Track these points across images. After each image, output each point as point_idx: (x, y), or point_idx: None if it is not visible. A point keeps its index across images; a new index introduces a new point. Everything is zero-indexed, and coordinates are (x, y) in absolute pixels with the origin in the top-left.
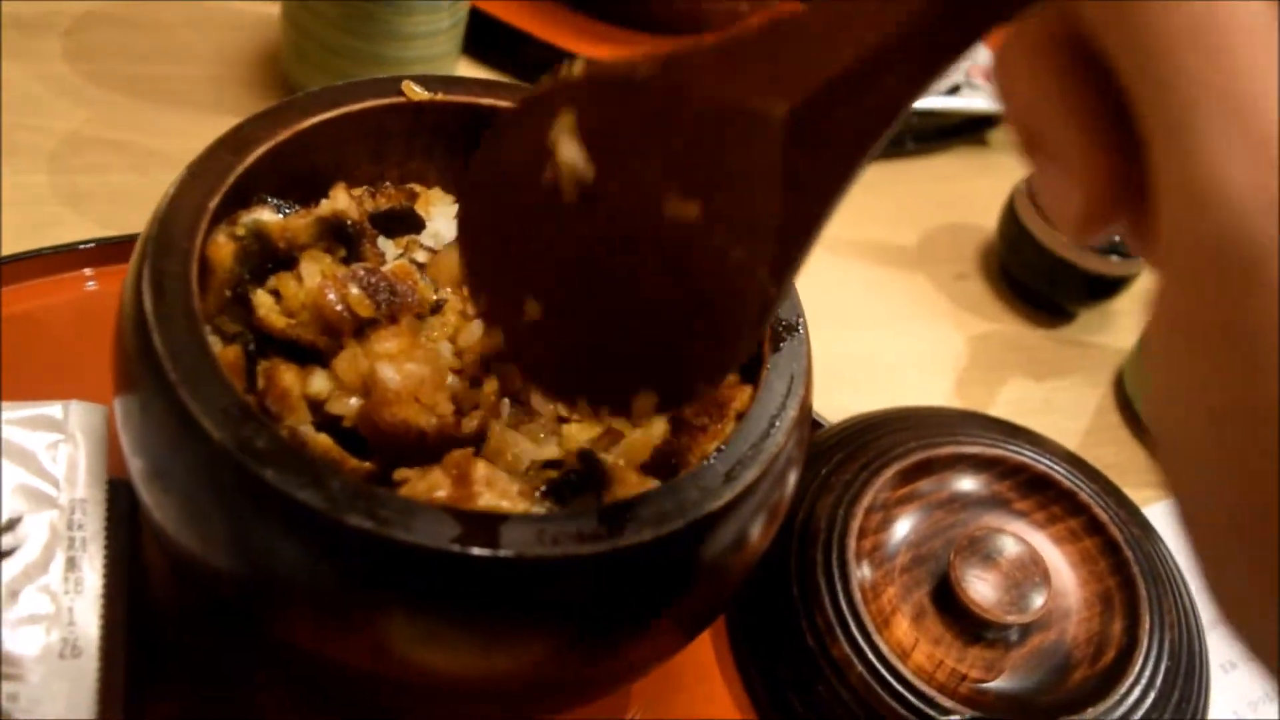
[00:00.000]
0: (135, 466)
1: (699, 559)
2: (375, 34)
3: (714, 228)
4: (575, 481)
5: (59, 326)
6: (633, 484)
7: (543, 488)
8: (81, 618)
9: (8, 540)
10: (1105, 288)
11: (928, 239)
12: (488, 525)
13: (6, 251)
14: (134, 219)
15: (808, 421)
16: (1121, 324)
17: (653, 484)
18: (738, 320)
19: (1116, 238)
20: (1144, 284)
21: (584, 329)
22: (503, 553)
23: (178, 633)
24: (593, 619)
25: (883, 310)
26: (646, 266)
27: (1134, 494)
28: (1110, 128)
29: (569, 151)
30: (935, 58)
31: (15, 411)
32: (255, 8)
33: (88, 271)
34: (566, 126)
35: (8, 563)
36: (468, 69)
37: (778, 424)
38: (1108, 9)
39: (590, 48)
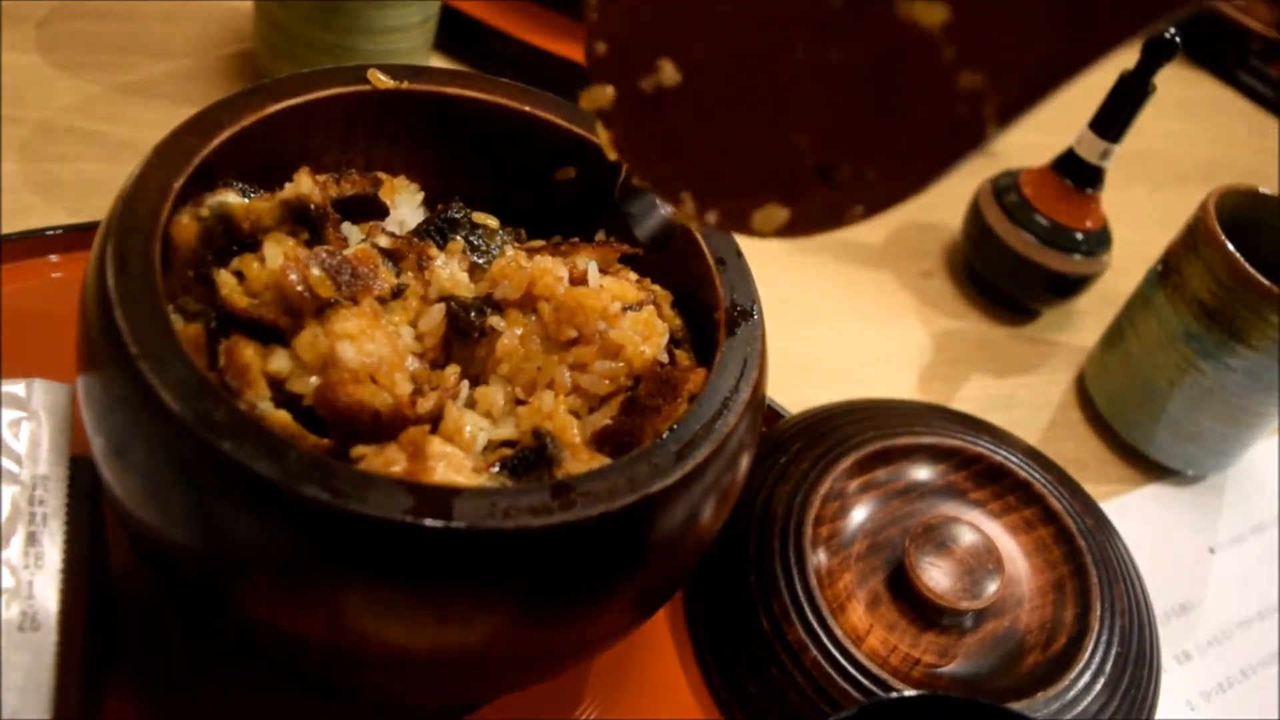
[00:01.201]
0: (97, 443)
1: (650, 535)
2: (348, 28)
3: (952, 41)
4: (529, 458)
5: (25, 310)
6: (585, 460)
7: (497, 465)
8: (41, 592)
9: None
10: (1068, 286)
11: (895, 237)
12: (441, 498)
13: None
14: (104, 207)
15: (761, 405)
16: (1084, 322)
17: (604, 461)
18: (931, 152)
19: (1080, 236)
20: (1105, 283)
21: (730, 112)
22: (455, 524)
23: (137, 609)
24: (544, 591)
25: (849, 306)
26: (845, 57)
27: (1092, 488)
28: None
29: None
30: None
31: None
32: (228, 2)
33: (54, 258)
34: None
35: None
36: (439, 64)
37: (730, 406)
38: None
39: (560, 44)
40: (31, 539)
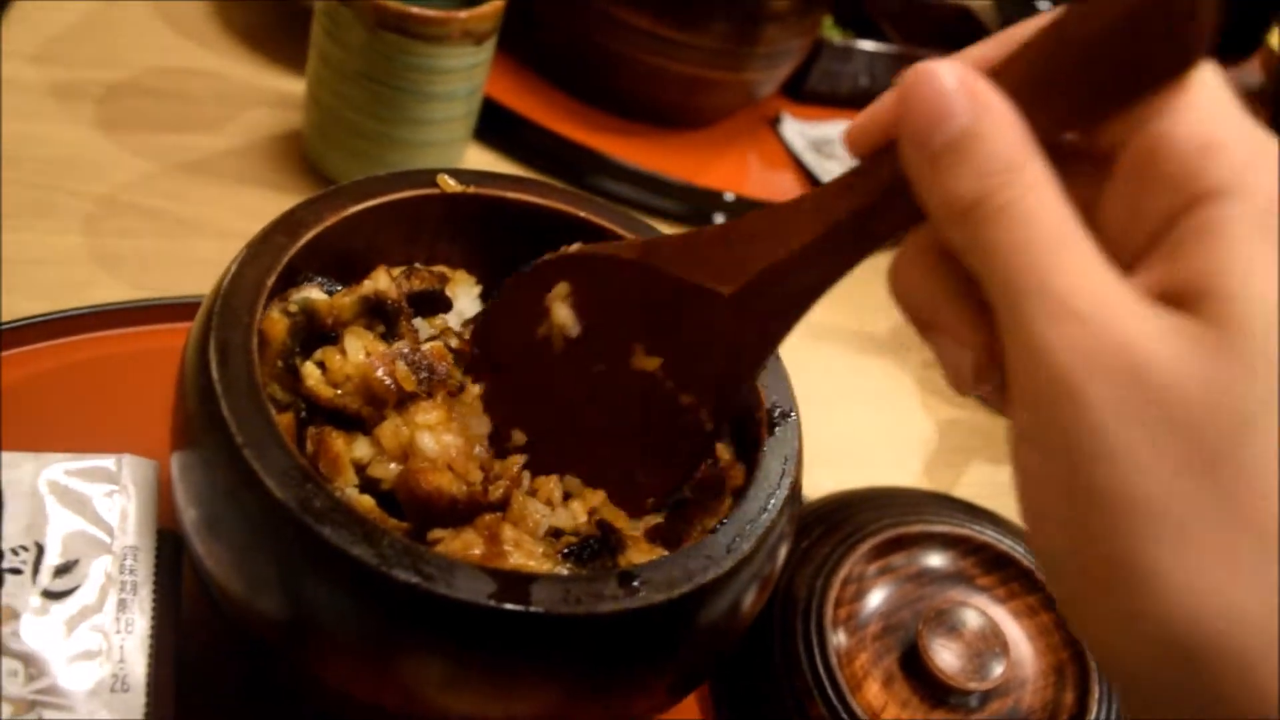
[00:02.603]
0: (189, 516)
1: (700, 620)
2: (396, 119)
3: (670, 378)
4: (594, 546)
5: (99, 380)
6: (644, 551)
7: (564, 550)
8: (130, 656)
9: (66, 581)
10: None
11: (899, 328)
12: (520, 583)
13: (46, 309)
14: (164, 282)
15: (798, 500)
16: None
17: (661, 552)
18: (683, 450)
19: None
20: None
21: (561, 453)
22: (533, 608)
23: (218, 675)
24: (605, 670)
25: (858, 394)
26: (614, 406)
27: None
28: (981, 308)
29: (561, 314)
30: (844, 260)
31: (73, 463)
32: (280, 85)
33: (121, 331)
34: (561, 294)
35: (65, 602)
36: (476, 151)
37: (772, 502)
38: (958, 236)
39: (586, 134)
40: (122, 605)
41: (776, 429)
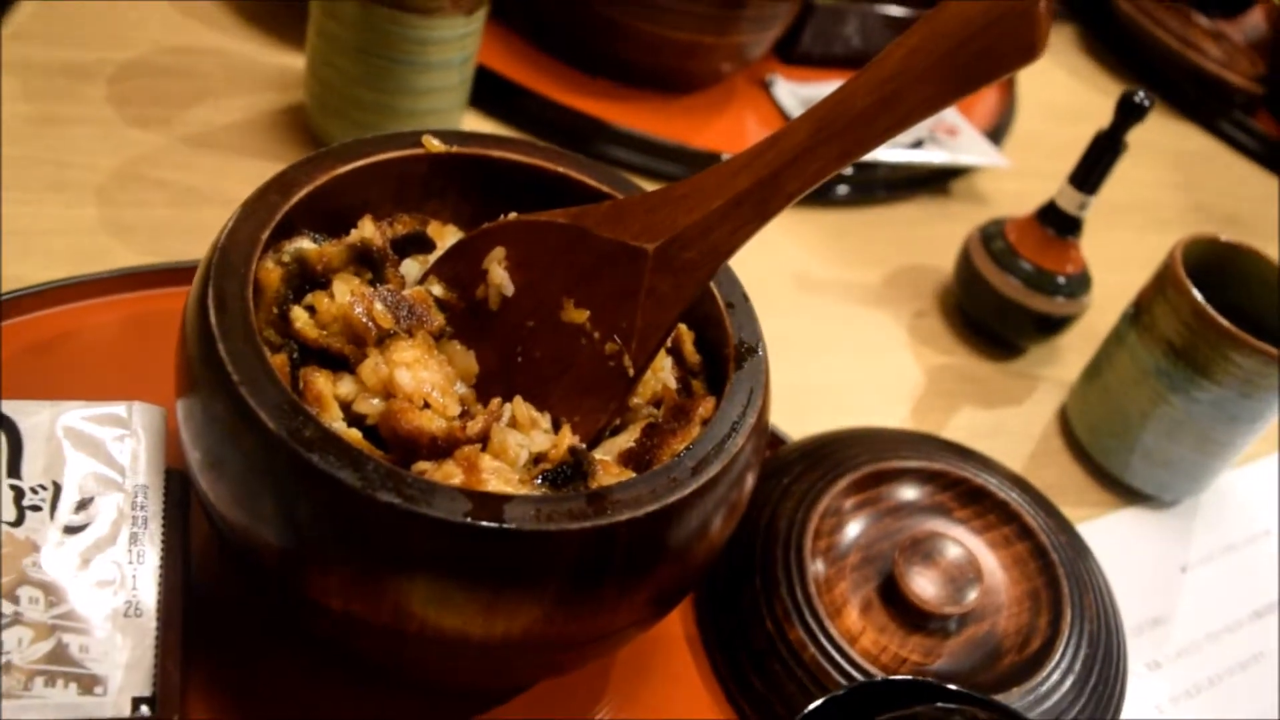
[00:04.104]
0: (194, 457)
1: (668, 539)
2: (392, 89)
3: (596, 328)
4: (567, 472)
5: (112, 339)
6: (614, 474)
7: (539, 478)
8: (143, 584)
9: (81, 517)
10: (1052, 325)
11: (891, 279)
12: (494, 503)
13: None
14: (175, 249)
15: (765, 430)
16: (1067, 358)
17: (630, 475)
18: (607, 390)
19: (1061, 280)
20: (1088, 321)
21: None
22: (507, 525)
23: (223, 602)
24: (580, 586)
25: (849, 342)
26: (546, 354)
27: (1072, 512)
28: None
29: (497, 275)
30: (753, 219)
31: (88, 410)
32: (282, 61)
33: (131, 295)
34: (498, 258)
35: (81, 536)
36: (473, 118)
37: (738, 429)
38: None
39: (578, 99)
40: (134, 539)
41: (744, 363)
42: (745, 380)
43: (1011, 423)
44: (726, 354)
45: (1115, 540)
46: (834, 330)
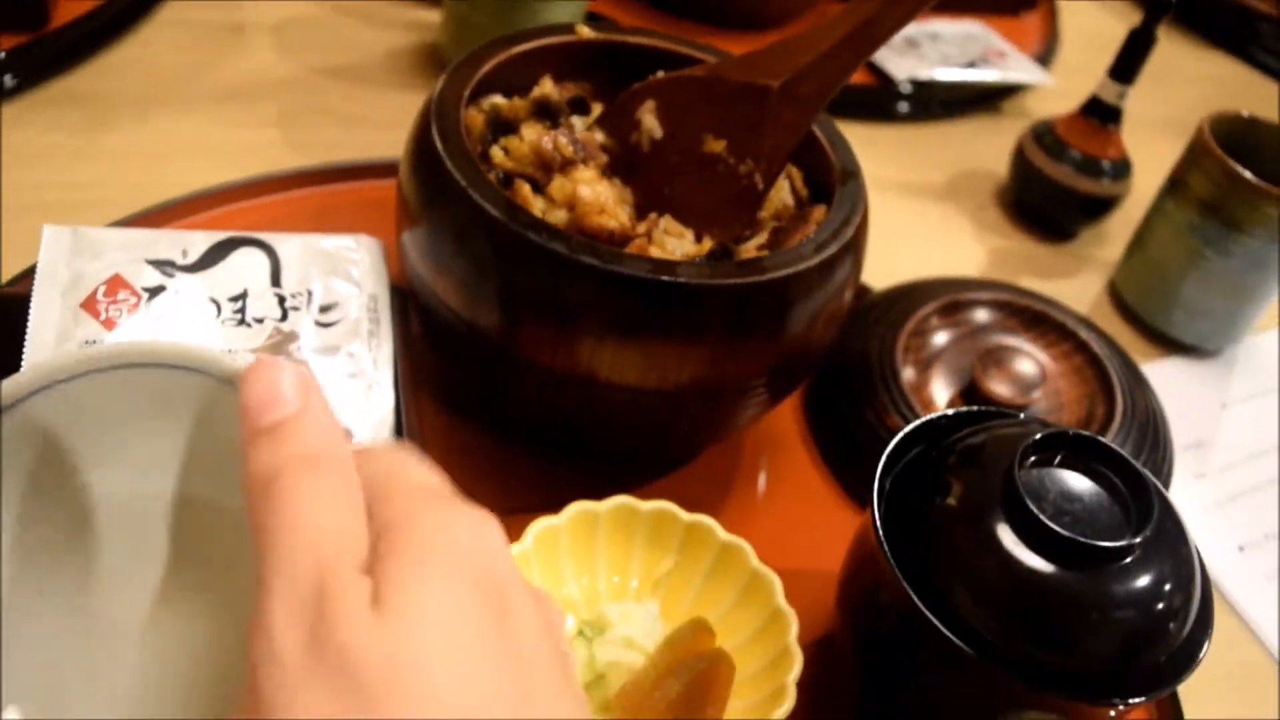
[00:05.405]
0: (423, 271)
1: (799, 300)
2: (518, 20)
3: (731, 154)
4: (716, 254)
5: (311, 221)
6: (753, 254)
7: (696, 260)
8: (381, 369)
9: (330, 316)
10: (1099, 206)
11: (951, 181)
12: (670, 265)
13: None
14: (346, 160)
15: (865, 230)
16: (1114, 240)
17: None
18: (742, 203)
19: (1106, 164)
20: (1130, 211)
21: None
22: (681, 280)
23: (440, 384)
24: (732, 334)
25: (919, 229)
26: (690, 182)
27: None
28: None
29: (648, 121)
30: (856, 56)
31: (327, 239)
32: (417, 14)
33: (323, 188)
34: (649, 108)
35: (331, 330)
36: None
37: (848, 224)
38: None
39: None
40: (371, 333)
41: (848, 183)
42: (849, 194)
43: (1065, 295)
44: (831, 180)
45: (1161, 381)
46: (904, 221)
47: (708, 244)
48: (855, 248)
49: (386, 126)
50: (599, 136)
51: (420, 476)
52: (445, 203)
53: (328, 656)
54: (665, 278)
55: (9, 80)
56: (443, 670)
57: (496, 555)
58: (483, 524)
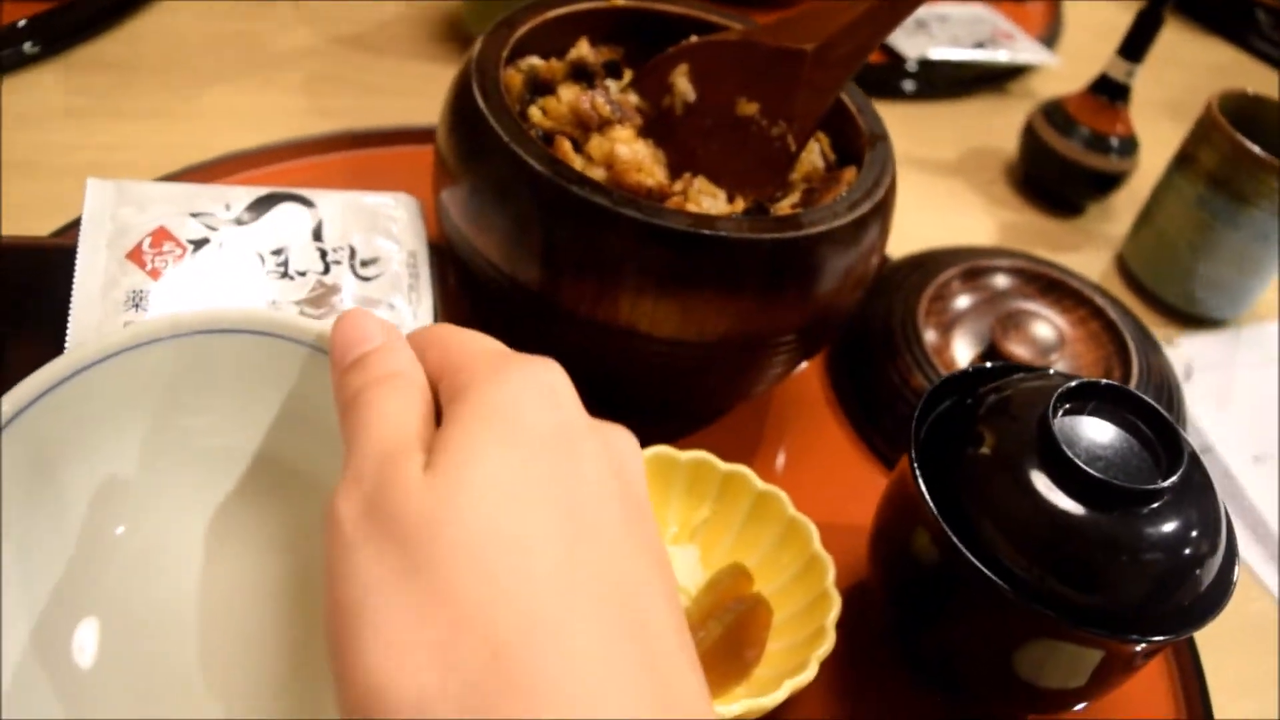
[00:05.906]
0: (463, 227)
1: (830, 256)
2: None
3: (764, 116)
4: (752, 211)
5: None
6: (787, 212)
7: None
8: (421, 322)
9: (371, 270)
10: (1107, 182)
11: (963, 157)
12: (709, 219)
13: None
14: (368, 124)
15: (894, 192)
16: (1121, 215)
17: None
18: (774, 164)
19: (1114, 141)
20: (1136, 188)
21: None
22: (719, 232)
23: None
24: (767, 287)
25: (930, 208)
26: (722, 145)
27: None
28: None
29: (682, 85)
30: (886, 22)
31: (367, 196)
32: None
33: (353, 153)
34: (682, 72)
35: (372, 283)
36: None
37: (879, 186)
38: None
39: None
40: (411, 288)
41: (877, 146)
42: (878, 156)
43: (1074, 266)
44: (861, 144)
45: (1172, 349)
46: (917, 195)
47: (740, 204)
48: (885, 209)
49: (408, 94)
50: (633, 99)
51: (486, 343)
52: (488, 159)
53: (378, 517)
54: (705, 231)
55: (29, 47)
56: (483, 522)
57: (558, 404)
58: (546, 372)
